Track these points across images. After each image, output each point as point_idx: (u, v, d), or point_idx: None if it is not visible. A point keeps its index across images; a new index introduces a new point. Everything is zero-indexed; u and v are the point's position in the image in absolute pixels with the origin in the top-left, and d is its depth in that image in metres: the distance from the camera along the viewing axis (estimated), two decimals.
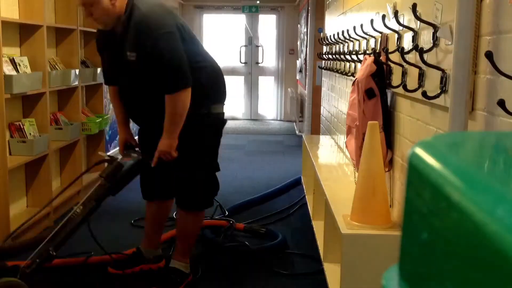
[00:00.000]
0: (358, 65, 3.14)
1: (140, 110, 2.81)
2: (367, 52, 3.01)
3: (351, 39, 3.52)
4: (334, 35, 4.16)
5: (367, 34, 2.99)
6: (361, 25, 3.10)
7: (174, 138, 2.67)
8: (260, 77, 10.51)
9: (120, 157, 2.84)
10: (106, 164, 2.75)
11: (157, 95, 2.63)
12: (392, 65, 2.49)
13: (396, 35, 2.41)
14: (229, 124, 9.35)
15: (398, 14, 2.32)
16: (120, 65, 2.70)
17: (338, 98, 4.32)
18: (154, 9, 2.62)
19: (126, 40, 2.61)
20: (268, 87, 10.59)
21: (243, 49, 10.29)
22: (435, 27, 1.93)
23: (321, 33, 6.18)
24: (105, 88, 5.34)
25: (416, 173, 0.53)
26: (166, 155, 2.69)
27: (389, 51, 2.46)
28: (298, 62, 9.27)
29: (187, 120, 2.65)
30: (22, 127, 3.61)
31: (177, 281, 2.88)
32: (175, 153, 2.69)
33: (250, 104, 10.51)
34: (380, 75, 2.55)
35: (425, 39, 2.05)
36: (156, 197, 3.06)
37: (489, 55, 1.42)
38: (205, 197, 2.90)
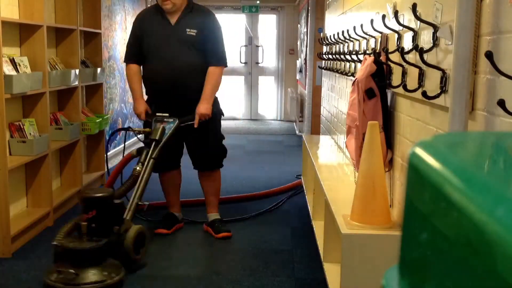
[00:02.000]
0: (358, 65, 3.14)
1: (175, 79, 3.47)
2: (367, 52, 3.01)
3: (351, 39, 3.52)
4: (334, 35, 4.16)
5: (367, 34, 2.99)
6: (361, 25, 3.10)
7: (211, 103, 3.50)
8: (260, 77, 10.51)
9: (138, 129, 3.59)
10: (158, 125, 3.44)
11: (196, 66, 3.47)
12: (392, 65, 2.49)
13: (396, 35, 2.41)
14: (229, 124, 9.38)
15: (398, 14, 2.32)
16: (169, 40, 3.47)
17: (338, 98, 4.32)
18: (211, 12, 3.67)
19: (187, 21, 3.48)
20: (268, 87, 10.59)
21: (243, 49, 10.29)
22: (435, 27, 1.92)
23: (321, 33, 6.18)
24: (105, 88, 5.35)
25: (416, 173, 0.53)
26: (206, 116, 3.47)
27: (389, 51, 2.46)
28: (298, 62, 9.26)
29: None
30: (22, 127, 3.61)
31: (221, 228, 3.69)
32: (210, 114, 3.50)
33: (250, 104, 10.51)
34: (380, 75, 2.55)
35: (425, 39, 2.05)
36: (166, 169, 3.74)
37: (489, 55, 1.42)
38: (223, 158, 3.79)
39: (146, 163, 3.28)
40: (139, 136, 3.67)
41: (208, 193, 3.81)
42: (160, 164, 3.50)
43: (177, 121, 3.43)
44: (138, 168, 3.27)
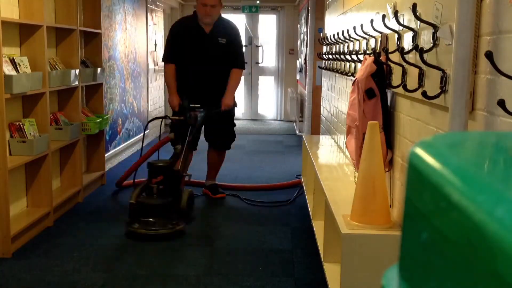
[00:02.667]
0: (358, 65, 3.14)
1: (207, 78, 4.37)
2: (367, 52, 3.01)
3: (351, 39, 3.52)
4: (334, 35, 4.16)
5: (367, 34, 2.99)
6: (361, 25, 3.10)
7: (233, 97, 4.47)
8: (260, 77, 10.51)
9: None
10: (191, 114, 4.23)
11: (223, 68, 4.40)
12: (392, 65, 2.49)
13: (396, 35, 2.41)
14: None
15: (398, 14, 2.32)
16: (204, 47, 4.33)
17: (338, 98, 4.32)
18: (235, 25, 4.65)
19: (219, 32, 4.35)
20: (268, 87, 10.58)
21: (243, 49, 10.28)
22: (435, 27, 1.92)
23: (321, 33, 6.18)
24: (105, 88, 5.35)
25: (416, 173, 0.53)
26: (229, 106, 4.43)
27: (389, 51, 2.46)
28: (298, 62, 9.26)
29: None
30: (22, 127, 3.61)
31: (218, 190, 4.67)
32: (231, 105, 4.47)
33: (250, 104, 10.51)
34: (380, 75, 2.55)
35: (425, 39, 2.05)
36: (191, 147, 4.39)
37: (489, 55, 1.42)
38: (231, 142, 4.72)
39: (186, 143, 4.08)
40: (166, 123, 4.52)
41: (212, 166, 4.72)
42: (191, 144, 4.32)
43: (205, 111, 4.28)
44: (179, 147, 4.02)
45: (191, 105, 4.30)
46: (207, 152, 4.73)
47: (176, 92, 4.41)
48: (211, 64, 4.36)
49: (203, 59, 4.34)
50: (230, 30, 4.44)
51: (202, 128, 4.51)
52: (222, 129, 4.59)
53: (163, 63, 4.62)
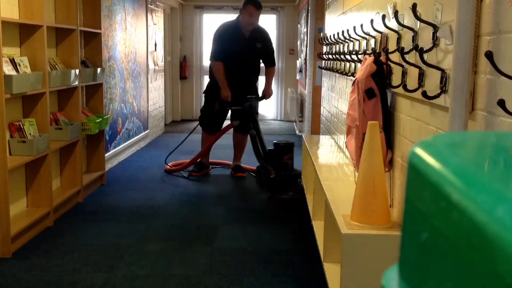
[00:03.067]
0: (358, 65, 3.14)
1: (246, 75, 5.39)
2: (367, 52, 3.01)
3: (351, 39, 3.51)
4: (334, 35, 4.16)
5: (367, 34, 2.99)
6: (361, 25, 3.10)
7: (271, 88, 5.60)
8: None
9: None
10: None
11: (259, 68, 5.49)
12: (392, 65, 2.49)
13: (396, 35, 2.41)
14: None
15: (398, 14, 2.32)
16: (244, 49, 5.27)
17: (338, 98, 4.32)
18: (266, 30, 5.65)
19: (256, 37, 5.33)
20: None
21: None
22: (435, 27, 1.92)
23: (321, 33, 6.17)
24: (105, 88, 5.36)
25: (416, 173, 0.53)
26: (270, 96, 5.62)
27: (389, 51, 2.46)
28: (298, 62, 9.26)
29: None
30: (22, 127, 3.61)
31: (244, 171, 5.56)
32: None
33: None
34: (380, 75, 2.55)
35: (425, 39, 2.05)
36: (216, 131, 5.47)
37: (489, 55, 1.42)
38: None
39: (258, 128, 5.21)
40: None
41: (239, 148, 5.65)
42: (213, 127, 5.41)
43: (253, 101, 5.30)
44: (253, 132, 5.18)
45: (248, 96, 5.31)
46: (233, 136, 5.63)
47: (227, 85, 5.25)
48: (250, 63, 5.35)
49: (244, 60, 5.31)
50: (264, 35, 5.44)
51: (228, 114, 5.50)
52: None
53: (210, 61, 5.45)
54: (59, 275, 3.03)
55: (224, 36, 5.30)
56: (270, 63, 5.52)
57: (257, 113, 5.36)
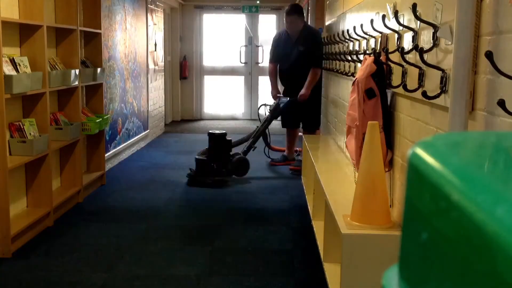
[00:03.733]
0: (358, 65, 3.14)
1: (293, 75, 5.79)
2: (367, 52, 3.01)
3: (351, 39, 3.52)
4: (334, 35, 4.16)
5: (367, 34, 2.99)
6: (361, 25, 3.10)
7: (309, 91, 5.67)
8: (260, 77, 10.49)
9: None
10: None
11: (305, 69, 5.64)
12: (392, 65, 2.49)
13: (396, 35, 2.41)
14: (229, 124, 9.39)
15: (398, 14, 2.32)
16: (290, 52, 5.73)
17: (338, 98, 4.32)
18: (317, 32, 5.88)
19: (300, 41, 5.69)
20: (268, 87, 10.53)
21: (243, 49, 10.29)
22: (435, 27, 1.92)
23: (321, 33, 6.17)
24: (105, 88, 5.36)
25: (416, 173, 0.53)
26: (304, 97, 5.66)
27: (389, 51, 2.46)
28: None
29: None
30: (22, 127, 3.61)
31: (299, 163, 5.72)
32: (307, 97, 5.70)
33: (250, 104, 10.49)
34: (380, 75, 2.55)
35: (425, 39, 2.05)
36: (290, 126, 6.06)
37: (489, 55, 1.42)
38: (318, 125, 5.98)
39: (262, 129, 5.84)
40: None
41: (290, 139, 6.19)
42: (291, 124, 6.02)
43: (288, 99, 5.78)
44: (260, 126, 5.86)
45: (279, 95, 5.97)
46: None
47: (277, 85, 6.05)
48: (296, 65, 5.73)
49: (291, 62, 5.78)
50: (309, 38, 5.68)
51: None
52: (307, 115, 5.97)
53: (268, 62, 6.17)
54: (59, 275, 3.03)
55: (276, 40, 6.03)
56: (315, 64, 5.67)
57: (276, 115, 5.81)
